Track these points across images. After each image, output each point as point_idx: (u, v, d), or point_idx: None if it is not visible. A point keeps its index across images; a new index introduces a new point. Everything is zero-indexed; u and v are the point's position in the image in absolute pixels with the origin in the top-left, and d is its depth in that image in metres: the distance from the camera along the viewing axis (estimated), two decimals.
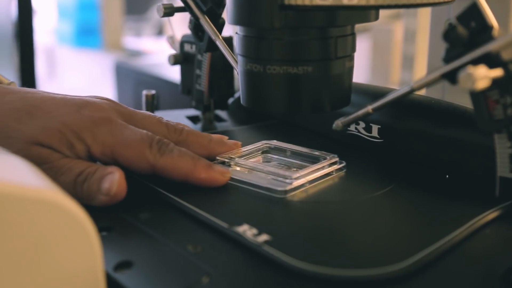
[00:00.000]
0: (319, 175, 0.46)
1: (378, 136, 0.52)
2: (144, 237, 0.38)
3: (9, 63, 0.83)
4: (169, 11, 0.55)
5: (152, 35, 2.66)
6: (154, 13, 2.75)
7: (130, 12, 2.45)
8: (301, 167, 0.47)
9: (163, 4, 0.54)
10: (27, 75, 0.80)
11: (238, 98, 0.63)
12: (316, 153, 0.49)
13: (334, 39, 0.43)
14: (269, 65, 0.43)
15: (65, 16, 1.86)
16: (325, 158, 0.48)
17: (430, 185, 0.46)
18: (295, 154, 0.50)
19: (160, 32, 2.75)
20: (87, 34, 1.80)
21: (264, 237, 0.36)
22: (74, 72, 1.61)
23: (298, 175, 0.44)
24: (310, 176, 0.45)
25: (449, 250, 0.36)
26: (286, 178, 0.44)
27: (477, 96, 0.37)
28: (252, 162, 0.48)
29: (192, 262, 0.35)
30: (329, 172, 0.47)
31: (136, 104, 1.18)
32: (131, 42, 2.00)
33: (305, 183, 0.44)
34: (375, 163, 0.48)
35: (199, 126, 0.62)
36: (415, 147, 0.49)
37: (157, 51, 1.80)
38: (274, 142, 0.52)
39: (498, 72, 0.35)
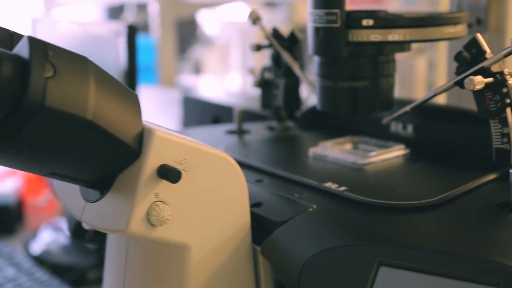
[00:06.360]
0: (388, 157, 0.66)
1: (412, 133, 0.72)
2: (265, 189, 0.59)
3: None
4: (258, 47, 0.77)
5: (191, 73, 2.91)
6: (192, 53, 3.01)
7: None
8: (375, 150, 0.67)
9: (256, 44, 0.76)
10: None
11: (305, 111, 0.85)
12: (389, 143, 0.69)
13: (382, 63, 0.64)
14: (338, 81, 0.64)
15: None
16: (394, 146, 0.68)
17: (452, 163, 0.66)
18: (375, 144, 0.70)
19: (197, 70, 3.00)
20: (144, 72, 2.05)
21: (343, 187, 0.57)
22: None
23: (372, 154, 0.65)
24: (381, 156, 0.65)
25: (463, 194, 0.56)
26: (364, 156, 0.65)
27: (477, 94, 0.58)
28: (344, 148, 0.69)
29: (300, 201, 0.55)
30: (397, 156, 0.67)
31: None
32: (181, 79, 2.25)
33: (377, 161, 0.65)
34: (413, 150, 0.69)
35: (275, 133, 0.83)
36: (439, 138, 0.70)
37: (199, 86, 2.04)
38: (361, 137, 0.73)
39: (490, 79, 0.56)
